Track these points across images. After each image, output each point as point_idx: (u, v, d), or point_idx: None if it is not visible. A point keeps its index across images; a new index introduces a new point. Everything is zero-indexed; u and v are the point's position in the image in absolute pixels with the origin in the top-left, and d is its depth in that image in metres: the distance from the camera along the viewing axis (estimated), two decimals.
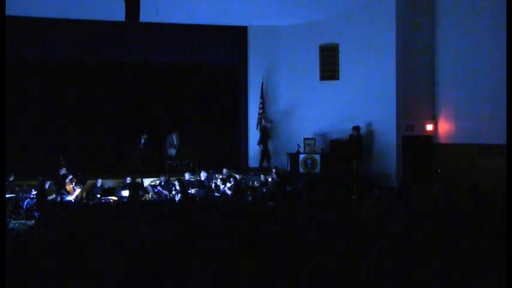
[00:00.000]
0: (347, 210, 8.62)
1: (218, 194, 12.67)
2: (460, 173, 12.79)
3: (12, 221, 11.05)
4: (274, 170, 13.78)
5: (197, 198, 11.59)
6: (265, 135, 15.97)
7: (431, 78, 14.22)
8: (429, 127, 14.19)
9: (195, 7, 14.53)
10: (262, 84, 16.48)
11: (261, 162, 15.88)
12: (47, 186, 11.56)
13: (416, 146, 14.05)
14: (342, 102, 15.52)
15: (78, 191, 12.42)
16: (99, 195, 12.41)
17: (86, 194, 12.58)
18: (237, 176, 13.18)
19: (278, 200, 10.25)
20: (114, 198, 12.44)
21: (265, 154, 15.88)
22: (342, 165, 14.72)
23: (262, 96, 16.44)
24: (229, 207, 9.53)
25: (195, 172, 14.24)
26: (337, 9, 15.15)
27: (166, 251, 5.82)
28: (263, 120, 16.36)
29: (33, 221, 10.79)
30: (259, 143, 15.99)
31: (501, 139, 11.13)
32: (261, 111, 16.44)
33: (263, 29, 16.65)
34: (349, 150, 14.59)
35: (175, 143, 15.53)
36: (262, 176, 13.88)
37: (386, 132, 14.31)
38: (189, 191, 12.38)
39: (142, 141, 15.38)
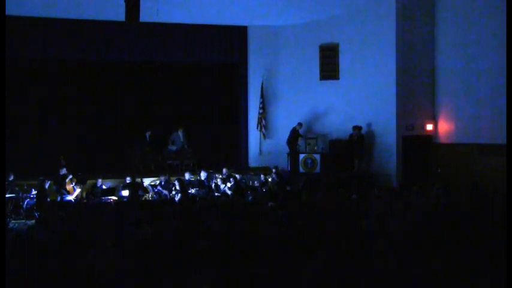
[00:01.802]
0: (347, 210, 8.62)
1: (218, 194, 12.67)
2: (460, 173, 12.79)
3: (12, 221, 11.05)
4: (274, 170, 13.79)
5: (197, 198, 11.59)
6: (295, 137, 15.28)
7: (431, 78, 14.23)
8: (429, 127, 14.19)
9: (195, 7, 14.53)
10: (262, 84, 16.48)
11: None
12: (47, 186, 11.56)
13: (416, 146, 14.05)
14: (342, 102, 15.53)
15: (78, 191, 12.41)
16: (99, 195, 12.41)
17: (86, 194, 12.58)
18: (237, 176, 13.18)
19: (278, 200, 10.25)
20: (114, 198, 12.44)
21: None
22: (342, 165, 14.72)
23: (262, 96, 16.45)
24: (229, 207, 9.52)
25: (195, 172, 14.24)
26: (337, 9, 15.16)
27: (166, 251, 5.82)
28: (263, 120, 16.39)
29: (33, 221, 10.79)
30: (288, 143, 15.28)
31: (501, 139, 11.14)
32: (261, 111, 16.45)
33: (263, 29, 16.66)
34: (349, 150, 14.59)
35: (181, 139, 15.50)
36: (262, 176, 13.88)
37: (387, 132, 14.31)
38: (189, 191, 12.38)
39: (147, 137, 15.41)
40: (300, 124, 15.34)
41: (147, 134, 15.48)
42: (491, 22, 12.31)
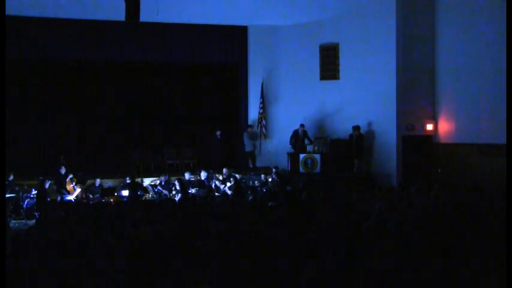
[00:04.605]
0: (347, 211, 8.61)
1: (218, 194, 12.67)
2: (460, 173, 12.80)
3: (13, 221, 11.05)
4: (274, 170, 13.78)
5: (197, 198, 11.59)
6: (296, 138, 15.24)
7: (431, 78, 14.23)
8: (429, 127, 14.20)
9: (195, 7, 14.53)
10: (262, 84, 16.48)
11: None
12: (47, 186, 11.56)
13: (416, 146, 14.06)
14: (342, 101, 15.53)
15: (78, 190, 12.42)
16: (98, 195, 12.40)
17: (85, 193, 12.58)
18: (237, 175, 13.18)
19: (278, 200, 10.24)
20: (114, 196, 12.43)
21: None
22: (342, 165, 14.71)
23: (262, 96, 16.45)
24: (229, 207, 9.52)
25: (195, 172, 14.24)
26: (337, 9, 15.16)
27: (166, 251, 5.82)
28: (263, 120, 16.39)
29: (33, 221, 10.80)
30: (291, 143, 15.29)
31: (501, 139, 11.14)
32: (261, 111, 16.46)
33: (263, 28, 16.65)
34: (349, 150, 14.60)
35: (250, 136, 15.81)
36: (262, 175, 13.88)
37: (387, 132, 14.31)
38: (190, 191, 12.38)
39: (218, 136, 15.73)
40: (302, 125, 15.29)
41: (217, 133, 15.68)
42: (491, 22, 12.31)
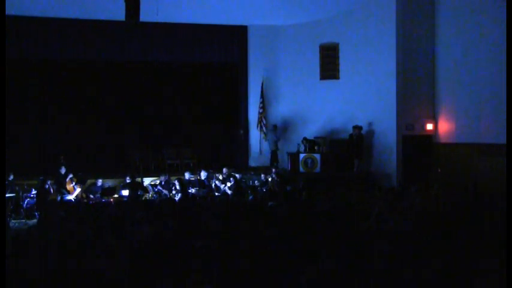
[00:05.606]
0: (347, 211, 8.62)
1: (218, 194, 12.67)
2: (460, 173, 12.80)
3: (13, 221, 11.05)
4: (274, 170, 13.79)
5: (197, 198, 11.59)
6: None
7: (431, 78, 14.23)
8: (429, 126, 14.20)
9: (195, 7, 14.53)
10: (262, 84, 16.49)
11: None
12: (47, 185, 11.56)
13: (416, 146, 14.06)
14: (342, 101, 15.54)
15: (78, 190, 12.41)
16: (99, 195, 12.40)
17: (85, 194, 12.58)
18: (237, 175, 13.18)
19: (278, 200, 10.25)
20: (115, 196, 12.43)
21: None
22: (342, 165, 14.72)
23: (262, 96, 16.45)
24: (229, 207, 9.52)
25: (195, 172, 14.24)
26: (337, 9, 15.16)
27: (166, 251, 5.82)
28: (263, 120, 16.38)
29: (33, 221, 10.80)
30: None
31: (501, 139, 11.14)
32: (261, 111, 16.46)
33: (263, 28, 16.66)
34: (349, 150, 14.60)
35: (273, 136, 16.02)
36: (262, 175, 13.89)
37: (387, 132, 14.31)
38: (190, 191, 12.38)
39: (241, 134, 16.21)
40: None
41: (240, 131, 16.12)
42: (491, 22, 12.31)
